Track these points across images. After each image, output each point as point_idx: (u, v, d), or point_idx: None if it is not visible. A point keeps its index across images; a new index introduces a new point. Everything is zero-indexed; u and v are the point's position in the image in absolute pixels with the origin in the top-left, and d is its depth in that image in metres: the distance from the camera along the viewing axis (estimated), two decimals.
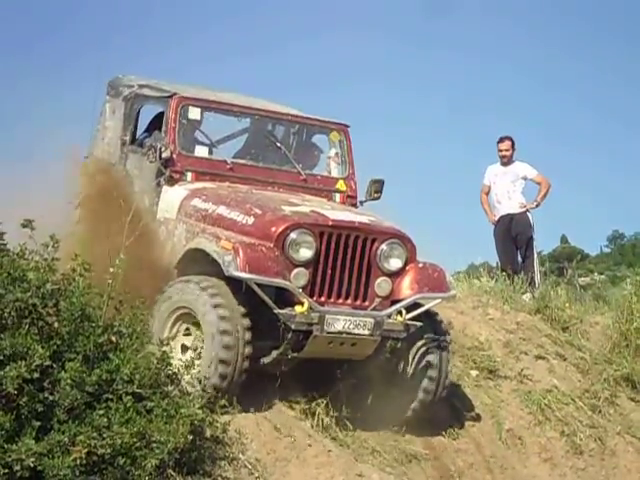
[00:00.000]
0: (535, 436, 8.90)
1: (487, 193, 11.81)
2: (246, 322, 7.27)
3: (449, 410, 8.61)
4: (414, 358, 8.05)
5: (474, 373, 9.31)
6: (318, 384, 7.91)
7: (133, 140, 9.03)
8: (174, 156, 8.33)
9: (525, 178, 11.64)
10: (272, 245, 7.46)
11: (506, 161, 11.67)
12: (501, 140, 11.73)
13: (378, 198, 9.07)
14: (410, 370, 8.06)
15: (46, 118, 9.38)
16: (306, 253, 7.53)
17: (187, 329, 7.51)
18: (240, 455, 6.91)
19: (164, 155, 8.27)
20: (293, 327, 7.40)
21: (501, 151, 11.68)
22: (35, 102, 9.72)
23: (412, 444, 8.16)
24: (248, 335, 7.26)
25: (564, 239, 45.18)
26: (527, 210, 11.56)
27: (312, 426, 7.65)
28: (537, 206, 11.64)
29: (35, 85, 10.09)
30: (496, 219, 11.66)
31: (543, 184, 11.66)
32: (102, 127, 9.45)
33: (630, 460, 9.08)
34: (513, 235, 11.57)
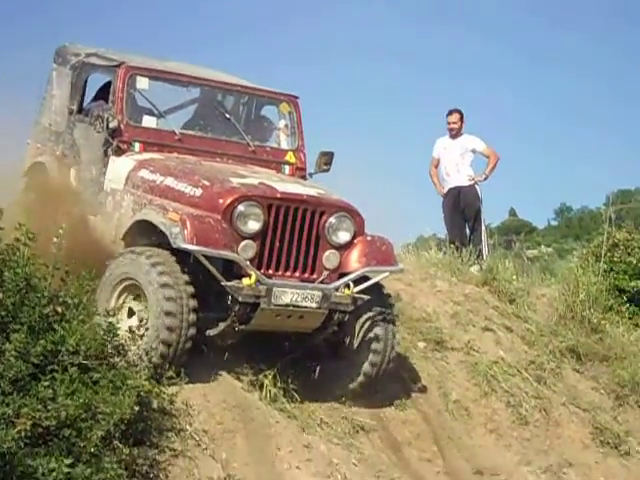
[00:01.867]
0: (481, 407, 8.98)
1: (436, 166, 11.83)
2: (190, 289, 7.23)
3: (396, 382, 8.64)
4: (360, 331, 8.07)
5: (421, 345, 9.36)
6: (265, 356, 7.91)
7: (80, 109, 8.93)
8: (121, 126, 8.26)
9: (474, 151, 11.67)
10: (220, 217, 7.42)
11: (454, 133, 11.68)
12: (450, 113, 11.74)
13: (327, 170, 9.05)
14: (356, 343, 8.09)
15: None
16: (254, 225, 7.50)
17: (134, 299, 7.46)
18: (187, 426, 6.90)
19: (111, 125, 8.20)
20: (240, 299, 7.37)
21: (449, 124, 11.69)
22: None
23: (359, 415, 8.18)
24: (193, 303, 7.22)
25: (512, 212, 45.51)
26: (475, 183, 11.59)
27: (260, 398, 7.65)
28: (485, 179, 11.68)
29: None
30: (445, 192, 11.70)
31: (492, 157, 11.70)
32: (49, 95, 9.37)
33: (574, 430, 9.19)
34: (461, 208, 11.61)
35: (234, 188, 7.59)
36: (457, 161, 11.60)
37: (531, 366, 9.65)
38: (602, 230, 12.52)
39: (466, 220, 11.71)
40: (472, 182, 11.55)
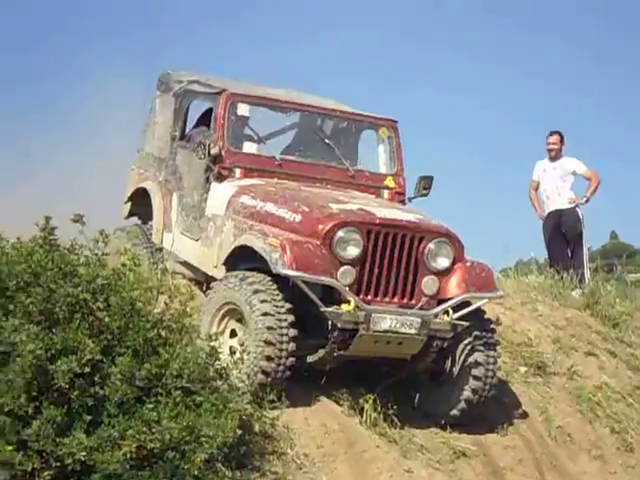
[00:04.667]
0: (585, 433, 8.84)
1: (536, 189, 11.74)
2: (291, 318, 7.27)
3: (498, 407, 8.55)
4: (461, 357, 8.02)
5: (523, 369, 9.26)
6: (366, 381, 7.92)
7: (182, 136, 9.10)
8: (223, 152, 8.38)
9: (574, 173, 11.56)
10: (319, 243, 7.46)
11: (554, 155, 11.59)
12: (550, 134, 11.66)
13: (427, 195, 9.04)
14: (457, 369, 8.04)
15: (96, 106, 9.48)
16: (353, 251, 7.51)
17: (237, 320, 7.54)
18: (289, 450, 6.93)
19: (213, 151, 8.32)
20: (339, 325, 7.39)
21: (549, 144, 11.60)
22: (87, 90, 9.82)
23: (460, 441, 8.12)
24: (292, 332, 7.26)
25: (614, 235, 44.79)
26: (576, 205, 11.47)
27: (360, 422, 7.65)
28: (587, 202, 11.55)
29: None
30: (545, 215, 11.59)
31: (593, 179, 11.57)
32: (152, 122, 9.56)
33: None
34: (562, 231, 11.50)
35: (333, 214, 7.63)
36: (557, 184, 11.50)
37: (636, 392, 9.48)
38: None
39: (567, 243, 11.58)
40: (573, 205, 11.44)
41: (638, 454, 8.87)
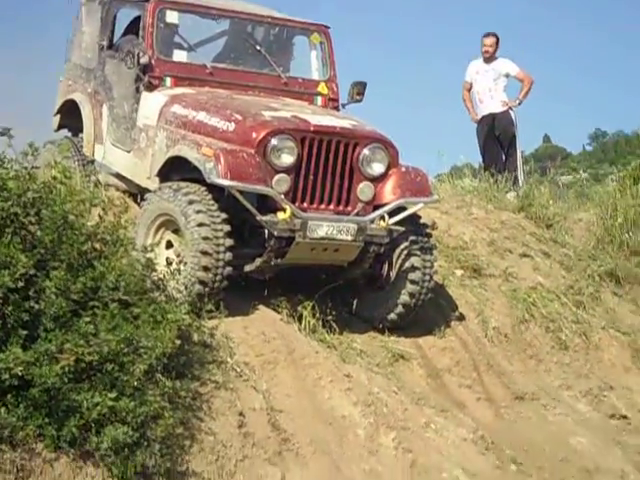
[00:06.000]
0: (520, 333, 8.98)
1: (469, 90, 11.68)
2: (227, 228, 7.22)
3: (435, 310, 8.65)
4: (398, 262, 8.07)
5: (459, 272, 9.34)
6: (303, 289, 7.94)
7: (111, 45, 8.90)
8: (152, 61, 8.22)
9: (507, 75, 11.52)
10: (253, 151, 7.39)
11: (488, 57, 11.52)
12: (486, 35, 11.56)
13: (360, 101, 8.96)
14: (394, 274, 8.09)
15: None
16: (288, 159, 7.46)
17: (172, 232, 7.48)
18: (228, 359, 6.93)
19: (142, 60, 8.16)
20: (276, 234, 7.37)
21: (485, 46, 11.51)
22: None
23: (399, 344, 8.22)
24: (229, 241, 7.22)
25: (546, 138, 45.15)
26: (510, 108, 11.47)
27: (299, 329, 7.68)
28: (519, 104, 11.55)
29: None
30: (478, 118, 11.59)
31: (525, 81, 11.55)
32: (79, 32, 9.33)
33: (614, 354, 9.19)
34: (496, 134, 11.52)
35: (267, 122, 7.55)
36: (490, 86, 11.46)
37: (570, 291, 9.63)
38: None
39: (501, 147, 11.61)
40: (506, 107, 11.43)
41: (572, 352, 9.04)
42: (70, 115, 9.29)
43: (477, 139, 11.66)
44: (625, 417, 8.60)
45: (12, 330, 5.68)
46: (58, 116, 9.51)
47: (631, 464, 7.96)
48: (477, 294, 9.14)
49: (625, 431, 8.45)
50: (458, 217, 10.28)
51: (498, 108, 11.44)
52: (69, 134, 9.50)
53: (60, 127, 9.57)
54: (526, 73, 11.61)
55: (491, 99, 11.46)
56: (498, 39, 11.55)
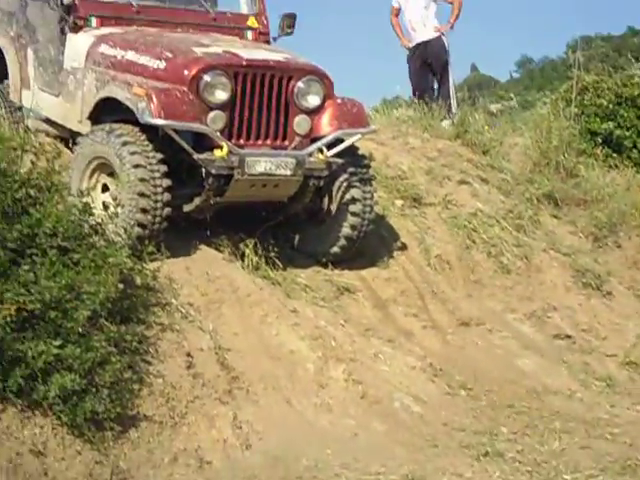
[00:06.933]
0: (463, 260, 9.00)
1: (397, 15, 11.52)
2: (163, 169, 7.08)
3: (377, 241, 8.63)
4: (338, 194, 8.01)
5: (399, 202, 9.32)
6: (245, 227, 7.87)
7: None
8: (76, 1, 7.99)
9: (436, 0, 11.39)
10: (186, 89, 7.23)
11: None
12: None
13: (291, 33, 8.82)
14: (335, 207, 8.04)
15: None
16: (221, 95, 7.31)
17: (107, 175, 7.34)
18: (173, 300, 6.86)
19: (65, 1, 7.94)
20: (213, 172, 7.25)
21: None
22: None
23: (343, 277, 8.20)
24: (166, 182, 7.09)
25: (474, 67, 45.16)
26: (442, 34, 11.36)
27: (242, 267, 7.62)
28: (451, 28, 11.42)
29: None
30: (411, 46, 11.47)
31: (455, 3, 11.41)
32: None
33: (555, 275, 9.24)
34: (429, 62, 11.42)
35: (198, 58, 7.39)
36: (422, 13, 11.33)
37: (509, 215, 9.66)
38: (571, 74, 12.40)
39: (433, 74, 11.53)
40: (438, 33, 11.32)
41: (514, 275, 9.09)
42: None
43: (408, 67, 11.55)
44: (569, 337, 8.68)
45: None
46: None
47: (578, 382, 8.05)
48: (418, 223, 9.13)
49: (570, 350, 8.53)
50: (395, 147, 10.25)
51: (431, 35, 11.33)
52: None
53: None
54: None
55: (424, 26, 11.33)
56: None
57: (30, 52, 8.56)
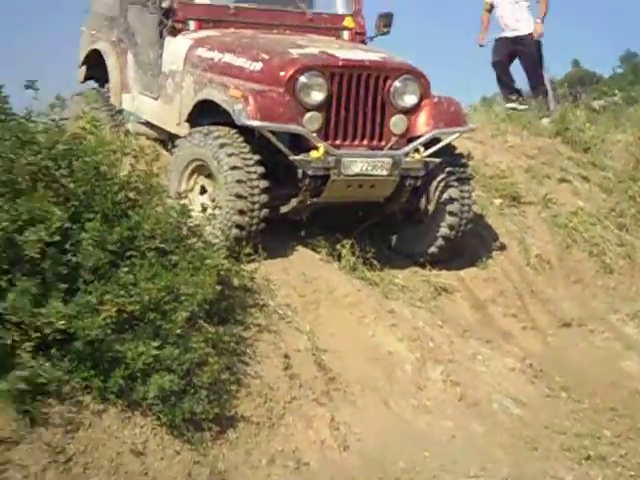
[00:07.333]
0: (563, 259, 8.88)
1: (489, 10, 11.38)
2: (260, 170, 7.12)
3: (475, 241, 8.56)
4: (435, 194, 7.95)
5: (498, 201, 9.23)
6: (342, 227, 7.86)
7: None
8: (174, 5, 8.09)
9: None
10: (282, 90, 7.26)
11: None
12: None
13: (388, 33, 8.81)
14: (432, 207, 7.98)
15: None
16: (318, 96, 7.32)
17: (206, 177, 7.40)
18: (270, 301, 6.88)
19: (164, 5, 8.05)
20: (310, 173, 7.26)
21: None
22: None
23: (441, 277, 8.14)
24: (263, 183, 7.13)
25: (576, 63, 44.43)
26: (534, 30, 11.15)
27: (339, 268, 7.61)
28: (542, 22, 11.17)
29: None
30: (501, 36, 11.24)
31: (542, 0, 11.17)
32: None
33: None
34: (521, 58, 11.24)
35: (294, 59, 7.41)
36: (512, 8, 11.16)
37: (612, 214, 9.50)
38: None
39: (526, 71, 11.36)
40: (530, 30, 11.11)
41: (617, 275, 8.93)
42: (95, 66, 9.19)
43: (495, 63, 11.34)
44: None
45: (52, 284, 5.61)
46: (83, 67, 9.42)
47: None
48: (517, 222, 9.03)
49: None
50: (494, 146, 10.15)
51: (523, 30, 11.14)
52: (96, 85, 9.41)
53: (86, 79, 9.48)
54: None
55: (516, 22, 11.16)
56: None
57: (130, 56, 8.70)
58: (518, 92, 11.14)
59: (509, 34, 11.25)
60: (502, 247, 8.69)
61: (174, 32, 8.13)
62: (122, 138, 7.70)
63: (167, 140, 8.32)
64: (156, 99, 8.30)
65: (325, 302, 7.20)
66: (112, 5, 8.93)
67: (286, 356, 6.57)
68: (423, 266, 8.13)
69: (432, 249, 8.06)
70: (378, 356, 7.02)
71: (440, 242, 8.03)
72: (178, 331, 5.81)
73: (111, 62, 8.88)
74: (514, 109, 10.90)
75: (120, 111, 8.90)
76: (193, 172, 7.45)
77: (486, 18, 11.44)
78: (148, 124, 8.60)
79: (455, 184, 7.96)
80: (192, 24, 8.16)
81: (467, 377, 7.14)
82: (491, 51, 11.43)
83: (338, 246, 7.73)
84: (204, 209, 6.92)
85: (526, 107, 10.88)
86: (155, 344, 5.68)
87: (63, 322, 5.44)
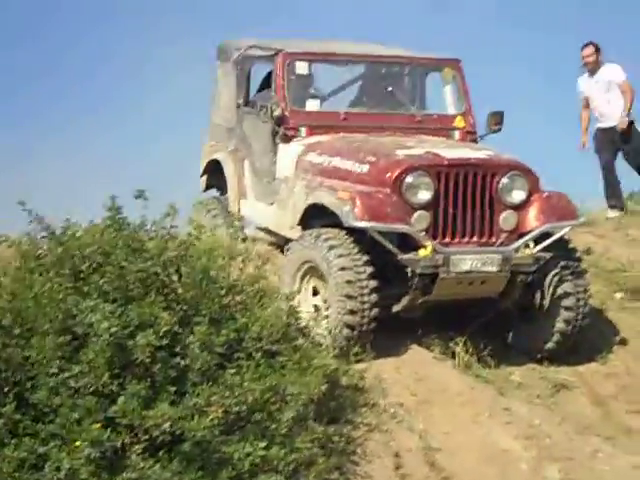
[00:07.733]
0: None
1: (587, 106, 11.01)
2: (369, 270, 7.22)
3: (595, 335, 8.39)
4: (549, 289, 7.88)
5: (619, 295, 9.06)
6: (454, 324, 7.85)
7: (247, 102, 9.08)
8: (286, 113, 8.34)
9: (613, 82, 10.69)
10: (389, 191, 7.39)
11: (591, 68, 10.71)
12: (584, 46, 10.74)
13: (499, 130, 8.87)
14: (547, 302, 7.90)
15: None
16: (424, 195, 7.43)
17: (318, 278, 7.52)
18: (381, 401, 6.90)
19: (276, 113, 8.29)
20: (419, 271, 7.32)
21: (584, 57, 10.71)
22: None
23: (559, 374, 8.01)
24: (373, 283, 7.21)
25: None
26: (632, 123, 10.64)
27: (453, 366, 7.59)
28: (628, 116, 10.61)
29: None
30: (600, 127, 10.80)
31: (627, 92, 10.62)
32: (217, 93, 9.56)
33: None
34: (624, 152, 10.86)
35: (400, 160, 7.54)
36: (606, 97, 10.69)
37: None
38: None
39: (632, 166, 10.98)
40: (626, 121, 10.60)
41: None
42: (215, 175, 9.49)
43: (601, 156, 11.03)
44: None
45: (161, 387, 5.81)
46: (204, 177, 9.74)
47: None
48: (639, 316, 8.83)
49: None
50: (615, 239, 10.01)
51: (616, 121, 10.67)
52: (217, 194, 9.70)
53: (208, 187, 9.79)
54: (628, 83, 10.66)
55: (611, 111, 10.69)
56: (598, 47, 10.70)
57: (246, 164, 8.97)
58: (620, 199, 10.77)
59: (607, 124, 10.87)
60: (623, 342, 8.50)
61: (287, 139, 8.37)
62: (236, 244, 7.90)
63: (284, 244, 8.49)
64: (271, 205, 8.52)
65: (438, 400, 7.17)
66: (229, 117, 9.24)
67: (397, 455, 6.57)
68: (540, 362, 8.03)
69: (549, 345, 7.97)
70: (492, 454, 6.93)
71: (557, 337, 7.93)
72: (284, 431, 5.90)
73: (229, 170, 9.17)
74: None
75: (239, 218, 9.13)
76: (305, 274, 7.59)
77: (585, 116, 10.98)
78: (265, 229, 8.82)
79: (570, 278, 7.89)
80: (304, 130, 8.39)
81: (587, 475, 6.97)
82: (595, 148, 11.00)
83: (452, 344, 7.71)
84: (316, 310, 7.03)
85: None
86: (262, 444, 5.79)
87: (170, 424, 5.59)
